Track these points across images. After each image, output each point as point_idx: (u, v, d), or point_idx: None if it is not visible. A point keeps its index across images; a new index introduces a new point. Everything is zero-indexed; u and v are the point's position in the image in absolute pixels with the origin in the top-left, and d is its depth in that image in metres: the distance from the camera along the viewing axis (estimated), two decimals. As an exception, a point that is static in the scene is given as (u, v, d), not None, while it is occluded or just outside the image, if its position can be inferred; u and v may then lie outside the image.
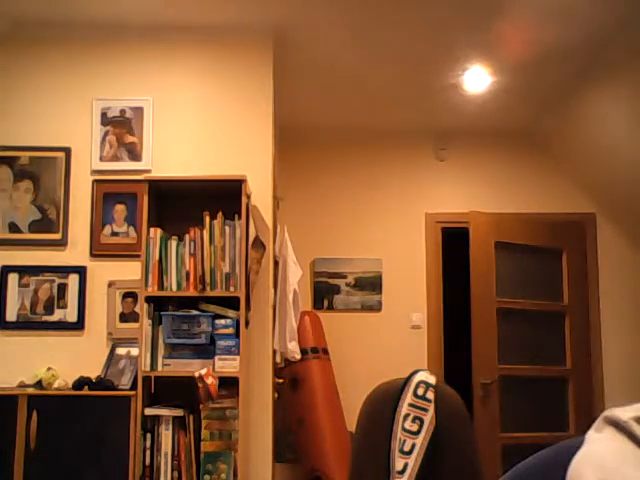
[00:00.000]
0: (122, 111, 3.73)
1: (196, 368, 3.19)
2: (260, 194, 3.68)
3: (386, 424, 1.66)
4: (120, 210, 3.65)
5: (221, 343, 3.23)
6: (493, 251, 4.98)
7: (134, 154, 3.70)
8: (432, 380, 1.69)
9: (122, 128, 3.72)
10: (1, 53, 3.74)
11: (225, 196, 3.37)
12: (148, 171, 3.64)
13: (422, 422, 1.64)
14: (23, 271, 3.57)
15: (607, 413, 0.75)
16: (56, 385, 3.30)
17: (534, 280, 5.17)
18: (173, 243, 3.32)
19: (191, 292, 3.29)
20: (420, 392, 1.66)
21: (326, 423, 4.57)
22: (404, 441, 1.63)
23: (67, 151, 3.68)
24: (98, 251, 3.62)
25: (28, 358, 3.48)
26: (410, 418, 1.65)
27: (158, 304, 3.32)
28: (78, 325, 3.56)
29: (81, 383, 3.27)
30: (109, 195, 3.66)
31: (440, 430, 1.63)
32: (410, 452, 1.63)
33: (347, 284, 5.30)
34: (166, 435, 3.17)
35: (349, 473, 1.72)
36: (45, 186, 3.66)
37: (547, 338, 5.15)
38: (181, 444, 3.18)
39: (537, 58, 4.13)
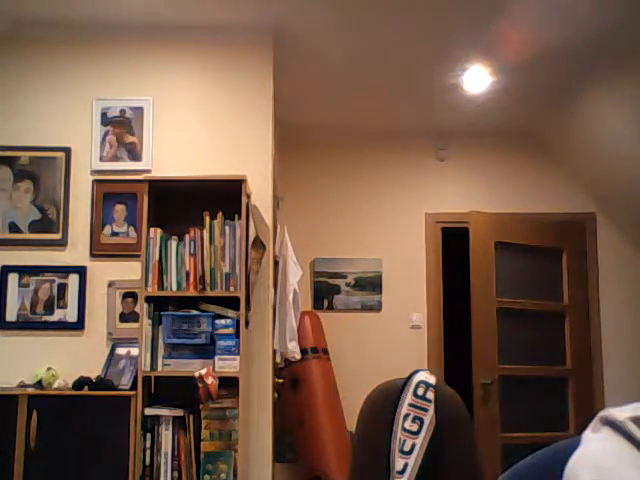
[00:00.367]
0: (122, 111, 3.73)
1: (196, 368, 3.19)
2: (260, 194, 3.68)
3: (386, 424, 1.66)
4: (120, 210, 3.65)
5: (221, 343, 3.23)
6: (493, 251, 4.98)
7: (134, 154, 3.70)
8: (432, 380, 1.69)
9: (122, 128, 3.72)
10: (1, 53, 3.74)
11: (225, 196, 3.37)
12: (148, 171, 3.64)
13: (422, 422, 1.64)
14: (23, 271, 3.57)
15: (604, 413, 0.75)
16: (56, 385, 3.30)
17: (534, 280, 5.17)
18: (173, 243, 3.32)
19: (191, 292, 3.29)
20: (420, 392, 1.66)
21: (326, 423, 4.57)
22: (404, 441, 1.63)
23: (67, 151, 3.68)
24: (98, 251, 3.62)
25: (28, 358, 3.48)
26: (410, 418, 1.65)
27: (158, 304, 3.32)
28: (78, 325, 3.55)
29: (81, 383, 3.27)
30: (109, 195, 3.66)
31: (440, 430, 1.63)
32: (410, 452, 1.63)
33: (347, 284, 5.29)
34: (166, 435, 3.17)
35: (349, 473, 1.72)
36: (45, 186, 3.66)
37: (547, 338, 5.14)
38: (181, 444, 3.18)
39: (537, 58, 4.13)
